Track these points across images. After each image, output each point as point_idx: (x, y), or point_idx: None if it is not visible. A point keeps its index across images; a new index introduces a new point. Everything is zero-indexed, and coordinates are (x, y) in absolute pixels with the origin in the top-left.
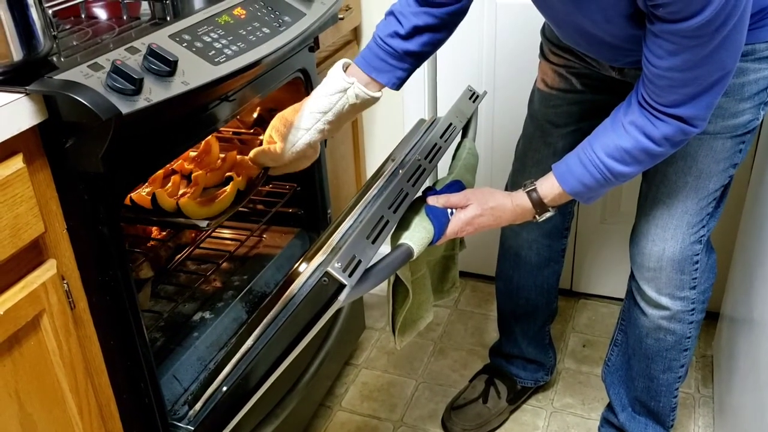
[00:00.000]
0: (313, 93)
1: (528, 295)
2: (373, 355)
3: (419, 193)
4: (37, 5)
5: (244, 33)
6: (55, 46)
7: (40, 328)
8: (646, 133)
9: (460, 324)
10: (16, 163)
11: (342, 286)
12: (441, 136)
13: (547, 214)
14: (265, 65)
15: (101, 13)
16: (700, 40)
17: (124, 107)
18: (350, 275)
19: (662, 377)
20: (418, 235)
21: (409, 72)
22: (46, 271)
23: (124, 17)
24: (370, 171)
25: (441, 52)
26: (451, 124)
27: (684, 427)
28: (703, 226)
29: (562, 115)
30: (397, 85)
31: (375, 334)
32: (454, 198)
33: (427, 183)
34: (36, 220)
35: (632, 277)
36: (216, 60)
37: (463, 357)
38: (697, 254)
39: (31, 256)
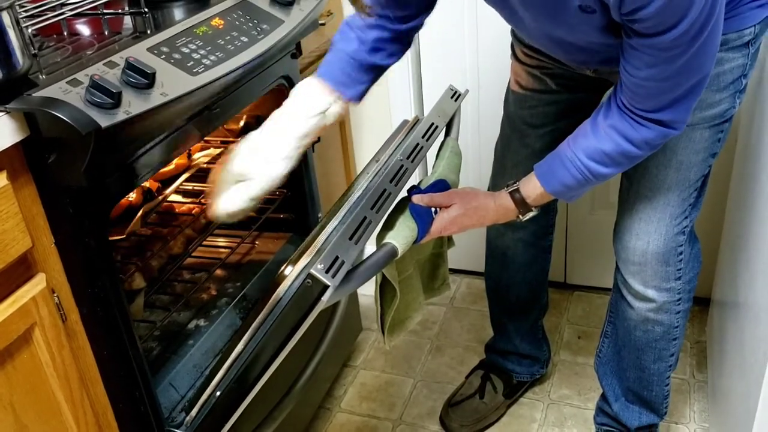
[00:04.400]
0: (288, 116)
1: (518, 293)
2: (370, 356)
3: (404, 193)
4: (15, 26)
5: (223, 42)
6: (35, 63)
7: (32, 341)
8: (626, 137)
9: (455, 321)
10: (1, 180)
11: (325, 287)
12: (423, 136)
13: (531, 214)
14: (246, 73)
15: (83, 30)
16: (677, 51)
17: (104, 121)
18: (333, 276)
19: (653, 367)
20: (402, 234)
21: (370, 85)
22: (36, 285)
23: (106, 33)
24: (360, 167)
25: (425, 53)
26: (432, 124)
27: (680, 413)
28: (686, 217)
29: (539, 116)
30: (359, 99)
31: (372, 335)
32: (438, 197)
33: (413, 182)
34: (23, 235)
35: (618, 270)
36: (194, 70)
37: (459, 354)
38: (681, 245)
39: (20, 270)
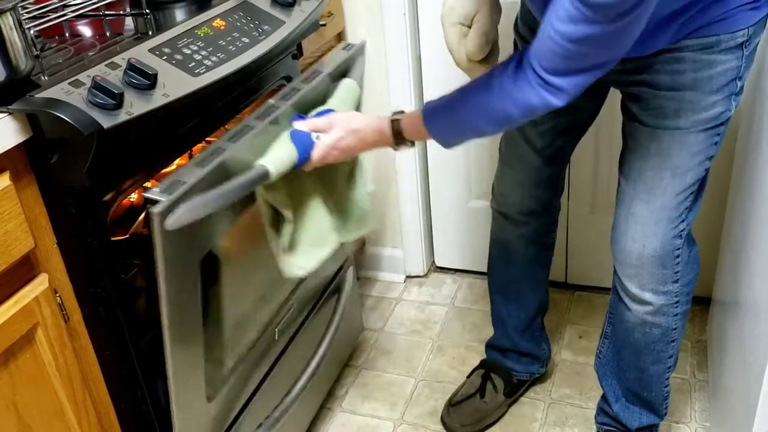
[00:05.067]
0: None
1: (519, 289)
2: (372, 355)
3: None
4: (17, 27)
5: (224, 43)
6: (38, 65)
7: (35, 341)
8: (509, 93)
9: (457, 321)
10: (3, 180)
11: (157, 202)
12: (303, 81)
13: (404, 148)
14: (248, 74)
15: (85, 31)
16: (604, 20)
17: (106, 121)
18: (169, 194)
19: (652, 369)
20: (274, 155)
21: None
22: (39, 285)
23: (107, 34)
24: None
25: (426, 51)
26: (315, 70)
27: (680, 412)
28: (683, 221)
29: None
30: None
31: (373, 335)
32: (318, 121)
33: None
34: (26, 235)
35: (615, 273)
36: (196, 71)
37: (461, 354)
38: (679, 249)
39: (23, 271)
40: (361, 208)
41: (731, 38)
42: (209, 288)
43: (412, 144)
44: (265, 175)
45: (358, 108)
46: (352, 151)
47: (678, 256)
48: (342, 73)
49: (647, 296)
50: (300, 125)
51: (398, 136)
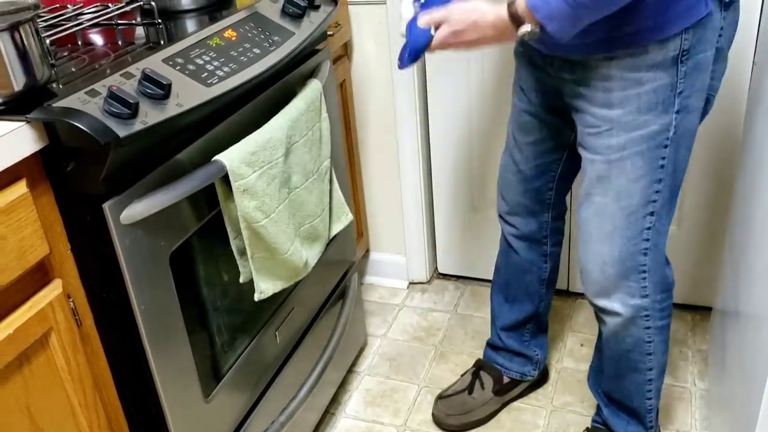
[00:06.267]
0: None
1: (515, 293)
2: (375, 361)
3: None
4: (35, 36)
5: (236, 54)
6: (53, 74)
7: (48, 345)
8: None
9: (459, 328)
10: (20, 188)
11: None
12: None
13: (524, 29)
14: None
15: (97, 40)
16: None
17: (121, 131)
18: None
19: (630, 377)
20: (234, 152)
21: None
22: (53, 290)
23: (119, 43)
24: (366, 173)
25: (430, 57)
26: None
27: (681, 421)
28: (645, 239)
29: (525, 124)
30: None
31: (377, 341)
32: (436, 14)
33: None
34: (41, 242)
35: (585, 291)
36: (209, 81)
37: (463, 360)
38: (644, 265)
39: (38, 276)
40: (339, 201)
41: (661, 52)
42: (186, 282)
43: (534, 27)
44: (221, 171)
45: (319, 105)
46: (472, 25)
47: (644, 272)
48: (310, 73)
49: (616, 307)
50: (420, 20)
51: (515, 18)
